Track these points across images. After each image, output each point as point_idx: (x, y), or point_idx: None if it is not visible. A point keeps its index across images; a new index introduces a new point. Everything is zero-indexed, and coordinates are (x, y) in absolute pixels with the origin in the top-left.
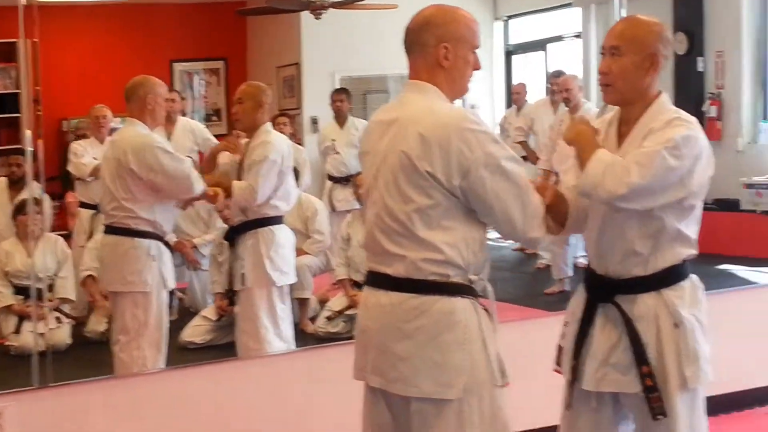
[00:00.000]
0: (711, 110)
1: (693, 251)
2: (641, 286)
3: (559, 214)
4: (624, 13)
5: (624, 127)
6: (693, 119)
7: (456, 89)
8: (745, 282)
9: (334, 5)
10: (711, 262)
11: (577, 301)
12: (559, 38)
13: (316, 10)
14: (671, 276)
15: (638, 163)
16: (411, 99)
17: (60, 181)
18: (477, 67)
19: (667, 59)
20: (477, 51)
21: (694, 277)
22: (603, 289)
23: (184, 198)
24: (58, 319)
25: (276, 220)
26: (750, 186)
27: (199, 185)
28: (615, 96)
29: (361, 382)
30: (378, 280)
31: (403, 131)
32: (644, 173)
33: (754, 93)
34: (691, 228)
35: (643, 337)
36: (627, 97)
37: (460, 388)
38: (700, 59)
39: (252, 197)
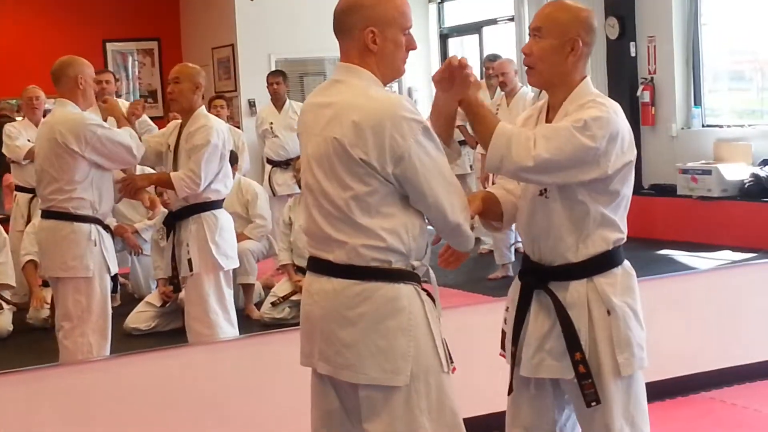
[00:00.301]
0: (644, 95)
1: (621, 236)
2: (573, 272)
3: (494, 215)
4: None
5: (551, 113)
6: (610, 103)
7: (388, 72)
8: (683, 267)
9: None
10: (650, 247)
11: (515, 287)
12: (493, 21)
13: None
14: (602, 263)
15: (545, 136)
16: (346, 83)
17: None
18: (411, 48)
19: (589, 46)
20: (412, 31)
21: (626, 264)
22: (536, 276)
23: (126, 166)
24: None
25: (217, 204)
26: (685, 171)
27: (141, 149)
28: (536, 78)
29: (310, 370)
30: (320, 266)
31: (338, 118)
32: (549, 146)
33: (685, 78)
34: (618, 213)
35: (576, 324)
36: (548, 80)
37: (407, 374)
38: (632, 44)
39: (195, 184)
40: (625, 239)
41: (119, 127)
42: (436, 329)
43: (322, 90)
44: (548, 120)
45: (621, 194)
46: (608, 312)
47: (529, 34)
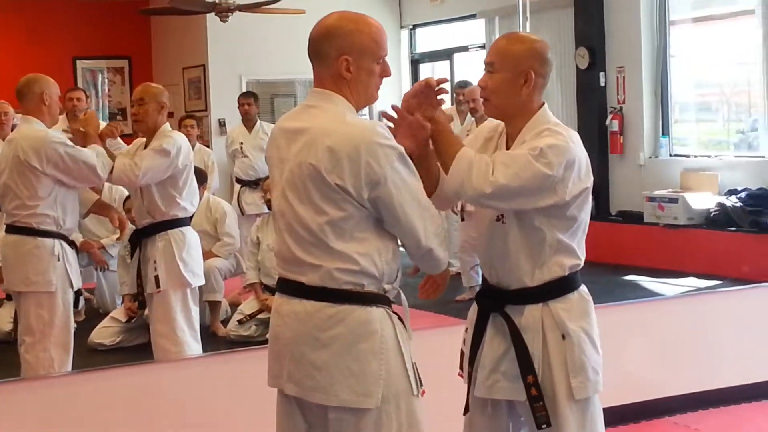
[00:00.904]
0: (613, 124)
1: (578, 262)
2: (528, 297)
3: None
4: (528, 26)
5: (510, 141)
6: (567, 131)
7: (362, 99)
8: (649, 292)
9: (241, 8)
10: (616, 273)
11: (473, 310)
12: (464, 48)
13: (222, 12)
14: (558, 288)
15: (503, 163)
16: (320, 108)
17: None
18: (385, 75)
19: (544, 77)
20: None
21: (583, 288)
22: (493, 299)
23: (91, 185)
24: None
25: (184, 222)
26: (652, 199)
27: (104, 173)
28: (492, 110)
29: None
30: (291, 288)
31: (313, 143)
32: (507, 173)
33: (653, 108)
34: (575, 239)
35: (530, 348)
36: (504, 112)
37: (377, 398)
38: (602, 74)
39: (134, 175)
40: (582, 265)
41: (90, 142)
42: (407, 352)
43: (294, 115)
44: (509, 147)
45: (578, 220)
46: (563, 336)
47: (484, 69)
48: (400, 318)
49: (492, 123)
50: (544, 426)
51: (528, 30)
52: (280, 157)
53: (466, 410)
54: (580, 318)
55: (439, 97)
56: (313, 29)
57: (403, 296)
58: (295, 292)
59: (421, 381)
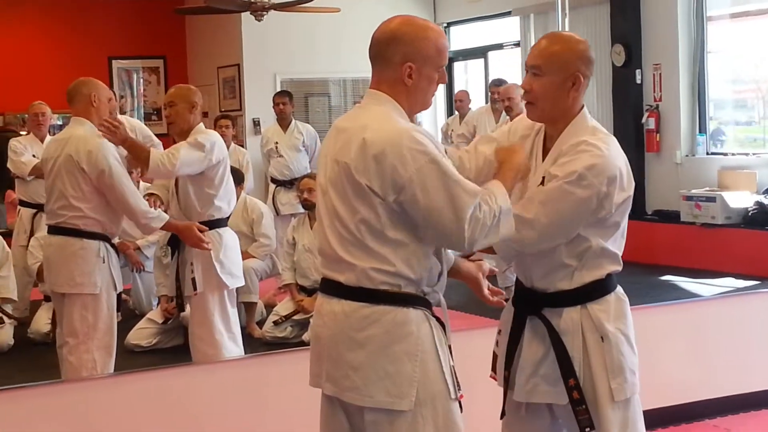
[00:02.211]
0: (649, 122)
1: (617, 268)
2: (566, 299)
3: None
4: (567, 24)
5: (549, 143)
6: (603, 141)
7: (417, 106)
8: (686, 293)
9: (276, 7)
10: (652, 273)
11: (508, 313)
12: (499, 46)
13: (257, 11)
14: (596, 290)
15: (540, 202)
16: (366, 109)
17: None
18: (442, 82)
19: (588, 78)
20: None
21: (619, 290)
22: (530, 302)
23: (123, 213)
24: (0, 320)
25: (221, 223)
26: (689, 198)
27: (147, 221)
28: (537, 114)
29: (315, 391)
30: (331, 288)
31: (349, 143)
32: (548, 211)
33: (690, 105)
34: (616, 244)
35: (570, 351)
36: (550, 116)
37: (411, 400)
38: (638, 71)
39: (171, 165)
40: (620, 270)
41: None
42: (444, 355)
43: (348, 115)
44: (545, 148)
45: (620, 226)
46: (602, 338)
47: (527, 70)
48: (440, 321)
49: (528, 120)
50: (587, 429)
51: (567, 27)
52: (325, 155)
53: (503, 414)
54: (618, 319)
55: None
56: (377, 31)
57: (442, 300)
58: (334, 292)
59: (459, 385)
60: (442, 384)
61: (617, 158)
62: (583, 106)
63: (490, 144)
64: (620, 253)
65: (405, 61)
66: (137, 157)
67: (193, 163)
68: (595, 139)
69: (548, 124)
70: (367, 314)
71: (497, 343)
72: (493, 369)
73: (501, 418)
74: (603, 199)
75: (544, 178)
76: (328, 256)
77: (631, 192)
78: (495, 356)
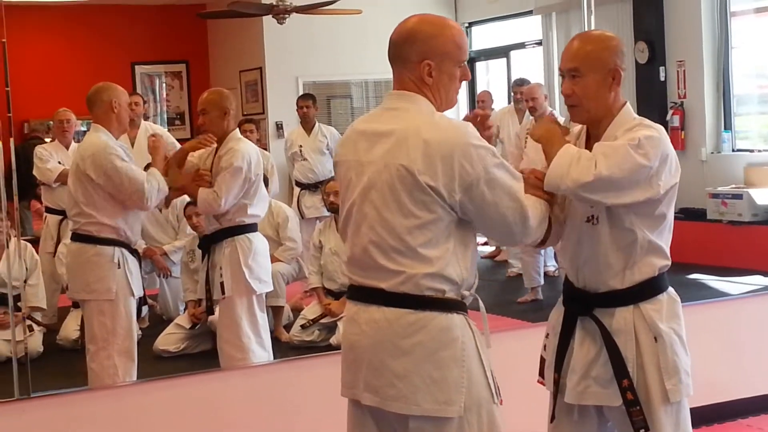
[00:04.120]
0: (674, 120)
1: (667, 262)
2: (618, 299)
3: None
4: (593, 21)
5: (594, 142)
6: (658, 125)
7: (442, 103)
8: (714, 291)
9: (298, 10)
10: (679, 271)
11: (557, 314)
12: (521, 45)
13: (279, 15)
14: (648, 289)
15: (604, 154)
16: (404, 110)
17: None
18: (465, 78)
19: (625, 71)
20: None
21: (671, 290)
22: (581, 303)
23: (136, 209)
24: (29, 327)
25: (251, 228)
26: (715, 196)
27: (153, 200)
28: (584, 115)
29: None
30: (369, 295)
31: (404, 144)
32: (610, 164)
33: (715, 102)
34: (663, 238)
35: (623, 351)
36: (595, 115)
37: (460, 406)
38: (662, 68)
39: (216, 204)
40: (670, 265)
41: (154, 165)
42: (486, 360)
43: (373, 117)
44: (589, 148)
45: (666, 218)
46: (655, 338)
47: (562, 74)
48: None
49: (574, 129)
50: (642, 431)
51: (593, 25)
52: (358, 161)
53: (552, 418)
54: (671, 319)
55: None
56: (393, 32)
57: (480, 302)
58: (373, 299)
59: (499, 389)
60: (486, 389)
61: (670, 144)
62: (625, 102)
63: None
64: (667, 248)
65: (423, 59)
66: (189, 194)
67: (237, 192)
68: (648, 122)
69: (592, 124)
70: (412, 321)
71: (545, 347)
72: (541, 374)
73: (550, 422)
74: (653, 176)
75: None
76: (364, 264)
77: (677, 180)
78: (542, 360)
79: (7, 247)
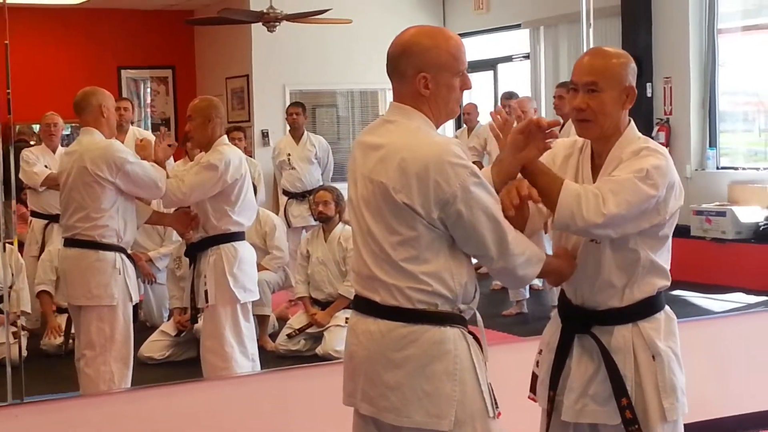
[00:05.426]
0: (659, 136)
1: (666, 282)
2: (617, 317)
3: (520, 220)
4: (591, 37)
5: (597, 159)
6: (662, 149)
7: (442, 115)
8: (697, 308)
9: (288, 18)
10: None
11: (552, 330)
12: (509, 58)
13: (270, 22)
14: (647, 308)
15: (612, 191)
16: (396, 124)
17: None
18: (466, 88)
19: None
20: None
21: (667, 308)
22: (579, 320)
23: (154, 197)
24: (14, 333)
25: (238, 236)
26: (699, 212)
27: (163, 184)
28: (596, 131)
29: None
30: (366, 306)
31: (386, 160)
32: (619, 200)
33: (701, 119)
34: (664, 258)
35: (621, 369)
36: (605, 132)
37: (451, 420)
38: (648, 84)
39: (179, 192)
40: (669, 285)
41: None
42: (482, 373)
43: (373, 129)
44: (594, 165)
45: (668, 239)
46: (653, 357)
47: (575, 88)
48: (476, 338)
49: (567, 140)
50: None
51: (591, 38)
52: (354, 171)
53: None
54: (668, 337)
55: (547, 140)
56: (390, 46)
57: (478, 317)
58: (369, 311)
59: (496, 402)
60: (481, 402)
61: (674, 167)
62: (631, 120)
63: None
64: (668, 268)
65: (418, 72)
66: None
67: (204, 187)
68: (654, 146)
69: (600, 140)
70: (404, 334)
71: (537, 363)
72: (532, 390)
73: None
74: (660, 204)
75: None
76: (363, 275)
77: (682, 203)
78: (534, 376)
79: (4, 250)
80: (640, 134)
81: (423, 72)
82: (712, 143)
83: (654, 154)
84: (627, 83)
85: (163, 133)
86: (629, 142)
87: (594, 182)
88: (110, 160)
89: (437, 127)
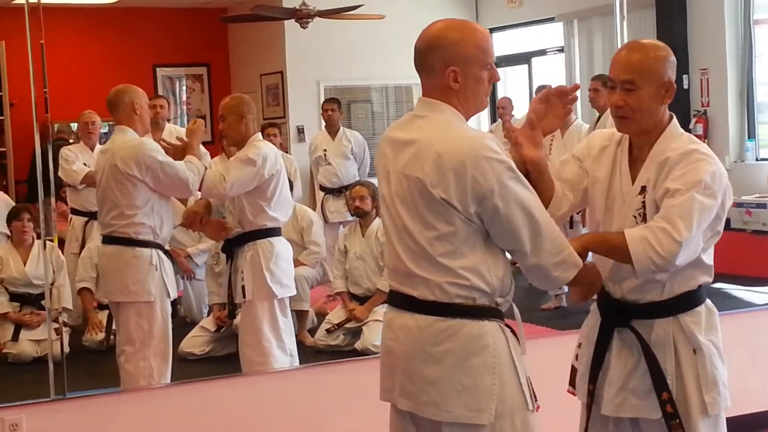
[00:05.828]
0: (697, 128)
1: (709, 279)
2: (658, 311)
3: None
4: (626, 30)
5: (637, 152)
6: (709, 150)
7: (471, 108)
8: (738, 300)
9: (321, 14)
10: None
11: (591, 324)
12: (542, 52)
13: (303, 19)
14: (687, 301)
15: (680, 216)
16: (427, 119)
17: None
18: (494, 80)
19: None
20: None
21: (708, 302)
22: (619, 314)
23: (184, 197)
24: (56, 329)
25: (274, 232)
26: (739, 204)
27: (196, 186)
28: (635, 128)
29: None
30: (403, 302)
31: (420, 156)
32: (689, 224)
33: (739, 110)
34: (708, 254)
35: (662, 363)
36: (644, 128)
37: (491, 413)
38: (685, 76)
39: (221, 186)
40: (711, 281)
41: (188, 153)
42: (520, 366)
43: (402, 124)
44: (632, 158)
45: (719, 236)
46: (694, 351)
47: (612, 86)
48: (513, 332)
49: (605, 132)
50: None
51: (625, 30)
52: (386, 167)
53: (585, 429)
54: (709, 331)
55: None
56: (417, 40)
57: (516, 309)
58: (406, 306)
59: (535, 395)
60: (520, 396)
61: (723, 168)
62: (673, 116)
63: (568, 165)
64: (712, 264)
65: (447, 66)
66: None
67: (244, 182)
68: (702, 148)
69: (639, 135)
70: (443, 328)
71: (576, 356)
72: (571, 383)
73: None
74: (720, 209)
75: (644, 187)
76: (398, 271)
77: (732, 199)
78: (573, 370)
79: (44, 248)
80: (682, 130)
81: (452, 66)
82: (751, 135)
83: (706, 159)
84: (666, 78)
85: (192, 121)
86: (674, 137)
87: (631, 173)
88: (140, 158)
89: (467, 120)
